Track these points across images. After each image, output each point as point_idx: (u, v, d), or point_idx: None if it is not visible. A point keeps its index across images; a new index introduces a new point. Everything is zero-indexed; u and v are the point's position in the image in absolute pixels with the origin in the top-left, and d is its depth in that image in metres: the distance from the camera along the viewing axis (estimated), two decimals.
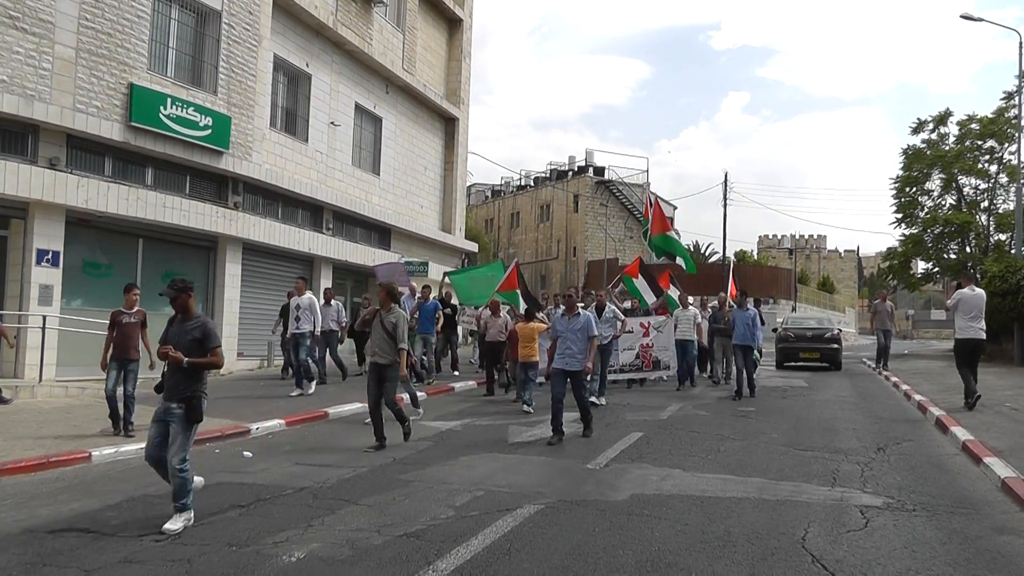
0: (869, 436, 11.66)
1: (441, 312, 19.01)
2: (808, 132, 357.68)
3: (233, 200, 20.78)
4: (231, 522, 6.84)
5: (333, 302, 17.85)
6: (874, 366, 25.15)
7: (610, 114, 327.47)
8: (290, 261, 23.59)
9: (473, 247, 36.27)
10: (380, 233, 28.47)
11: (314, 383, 16.09)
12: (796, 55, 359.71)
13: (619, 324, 15.87)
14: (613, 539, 6.29)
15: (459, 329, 22.17)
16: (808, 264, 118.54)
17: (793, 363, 25.55)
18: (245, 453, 10.10)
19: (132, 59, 17.52)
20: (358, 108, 27.05)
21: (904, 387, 17.82)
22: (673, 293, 20.41)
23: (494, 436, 11.57)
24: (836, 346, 25.09)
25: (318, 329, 16.11)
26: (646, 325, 18.30)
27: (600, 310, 15.35)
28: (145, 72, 17.88)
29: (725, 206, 55.64)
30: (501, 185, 76.54)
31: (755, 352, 16.89)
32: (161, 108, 17.98)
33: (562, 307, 19.01)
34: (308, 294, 16.15)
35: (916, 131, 37.01)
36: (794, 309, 59.36)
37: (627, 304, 19.96)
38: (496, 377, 17.25)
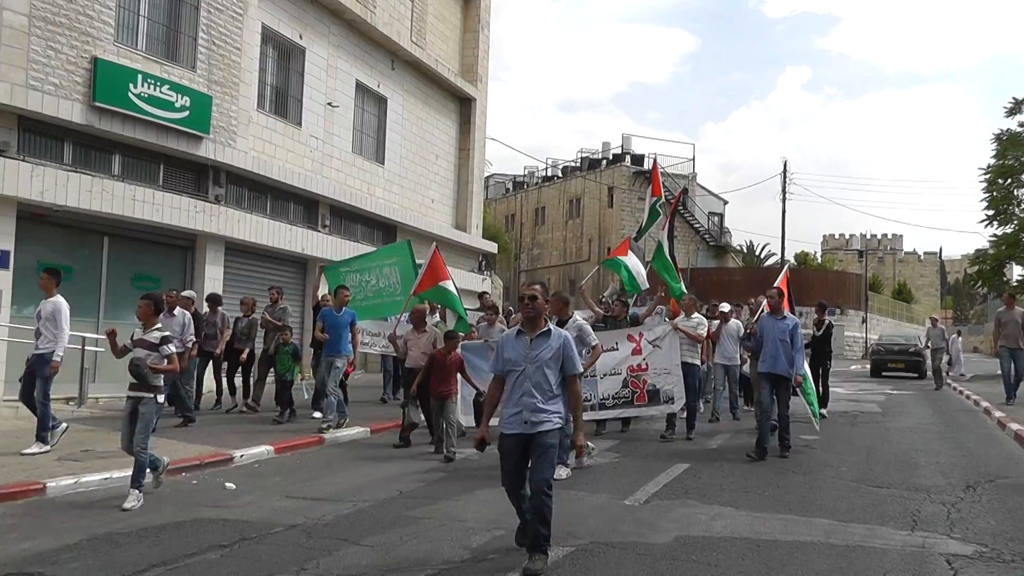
0: (956, 471, 11.55)
1: (354, 327, 15.20)
2: (879, 113, 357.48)
3: (214, 193, 20.88)
4: (211, 565, 6.84)
5: (177, 311, 14.75)
6: (1005, 403, 19.85)
7: (648, 93, 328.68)
8: (280, 263, 23.66)
9: (492, 247, 36.30)
10: (384, 231, 28.53)
11: (49, 440, 11.96)
12: (863, 23, 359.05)
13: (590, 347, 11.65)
14: None
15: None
16: (881, 268, 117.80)
17: (884, 372, 35.09)
18: (227, 485, 10.11)
19: (96, 29, 17.62)
20: (359, 87, 27.16)
21: (997, 414, 17.63)
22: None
23: None
24: (918, 358, 34.19)
25: (60, 349, 11.85)
26: (636, 338, 14.12)
27: (561, 325, 12.23)
28: (111, 44, 17.98)
29: (784, 200, 55.45)
30: (524, 176, 76.63)
31: (793, 385, 12.77)
32: (130, 86, 18.06)
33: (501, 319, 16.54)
34: (57, 296, 11.94)
35: (1012, 112, 36.64)
36: (864, 321, 59.11)
37: (635, 310, 16.52)
38: (415, 422, 13.58)
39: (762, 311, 13.84)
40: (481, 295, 21.00)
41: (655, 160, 18.90)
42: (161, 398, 9.41)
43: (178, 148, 19.43)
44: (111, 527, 7.91)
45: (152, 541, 7.53)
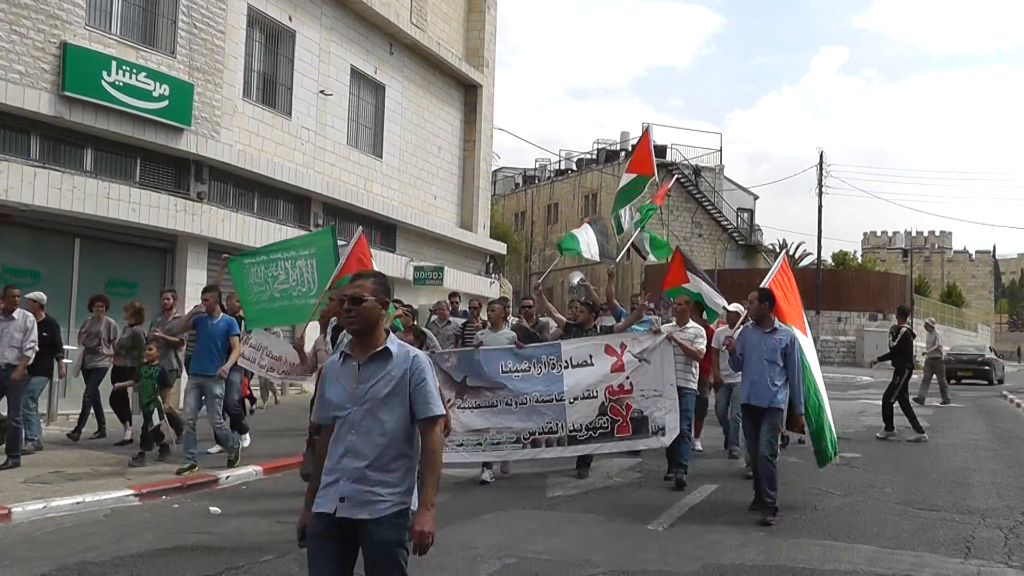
0: (1013, 492, 11.52)
1: (237, 336, 12.98)
2: (924, 98, 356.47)
3: (197, 190, 20.89)
4: None
5: (18, 314, 13.11)
6: None
7: (669, 78, 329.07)
8: None
9: (500, 248, 36.29)
10: (383, 230, 28.53)
11: None
12: None
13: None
14: None
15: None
16: (928, 269, 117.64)
17: (953, 380, 36.38)
18: (212, 509, 10.10)
19: (66, 11, 17.62)
20: (355, 73, 27.20)
21: None
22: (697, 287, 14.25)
23: (528, 487, 11.53)
24: (987, 367, 40.05)
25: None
26: (617, 350, 11.88)
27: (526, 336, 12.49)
28: (83, 28, 17.98)
29: (820, 194, 55.39)
30: (535, 170, 76.67)
31: (783, 423, 10.68)
32: (104, 73, 18.04)
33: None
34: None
35: None
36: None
37: (653, 318, 13.25)
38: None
39: (743, 321, 11.52)
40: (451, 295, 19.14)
41: (646, 130, 15.48)
42: None
43: (156, 141, 19.41)
44: (83, 556, 7.90)
45: (128, 571, 7.52)
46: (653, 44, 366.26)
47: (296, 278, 13.01)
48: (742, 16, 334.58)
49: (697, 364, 12.38)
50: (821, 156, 56.97)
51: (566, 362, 11.85)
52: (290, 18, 24.22)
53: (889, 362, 17.84)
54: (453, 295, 17.64)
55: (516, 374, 11.81)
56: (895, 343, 17.38)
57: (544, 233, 71.72)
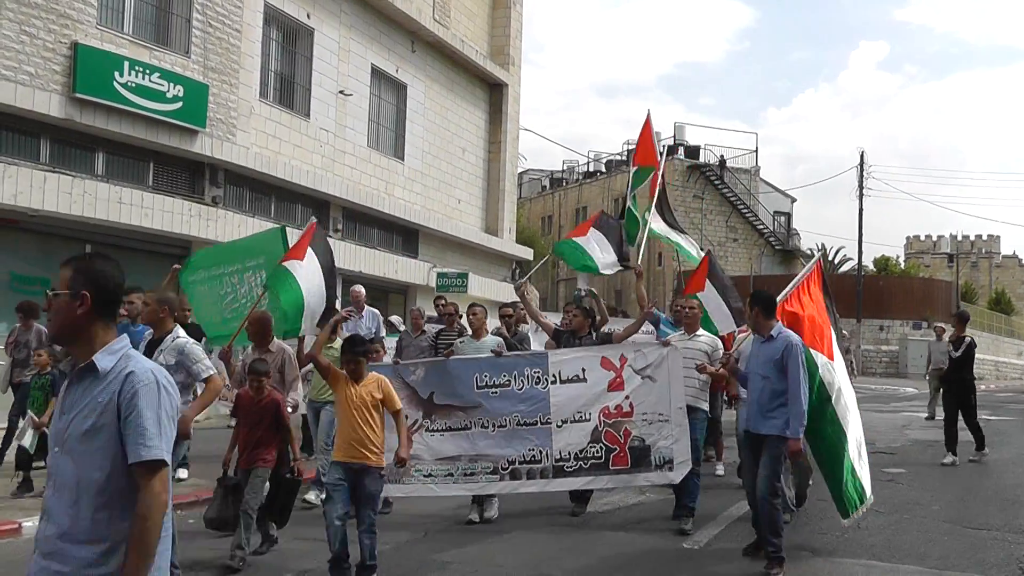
0: None
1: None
2: (969, 95, 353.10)
3: (211, 194, 20.97)
4: None
5: None
6: None
7: (700, 75, 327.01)
8: None
9: (527, 253, 36.20)
10: (404, 236, 28.56)
11: None
12: None
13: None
14: None
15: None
16: (975, 274, 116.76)
17: None
18: None
19: (77, 11, 17.70)
20: (376, 72, 27.25)
21: None
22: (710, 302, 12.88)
23: (557, 503, 11.49)
24: None
25: None
26: (615, 364, 10.36)
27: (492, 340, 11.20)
28: (94, 28, 18.07)
29: (861, 197, 55.10)
30: (562, 171, 76.53)
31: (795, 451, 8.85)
32: (116, 74, 18.12)
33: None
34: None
35: None
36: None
37: (655, 330, 13.10)
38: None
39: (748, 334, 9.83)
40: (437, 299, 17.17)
41: (648, 117, 13.18)
42: None
43: (170, 144, 19.50)
44: None
45: None
46: (682, 40, 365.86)
47: (245, 293, 11.24)
48: (775, 10, 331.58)
49: (709, 381, 10.79)
50: (862, 156, 56.58)
51: (553, 376, 10.38)
52: (308, 15, 24.28)
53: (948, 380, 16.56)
54: (439, 298, 16.00)
55: (493, 390, 10.40)
56: (959, 354, 15.82)
57: None
